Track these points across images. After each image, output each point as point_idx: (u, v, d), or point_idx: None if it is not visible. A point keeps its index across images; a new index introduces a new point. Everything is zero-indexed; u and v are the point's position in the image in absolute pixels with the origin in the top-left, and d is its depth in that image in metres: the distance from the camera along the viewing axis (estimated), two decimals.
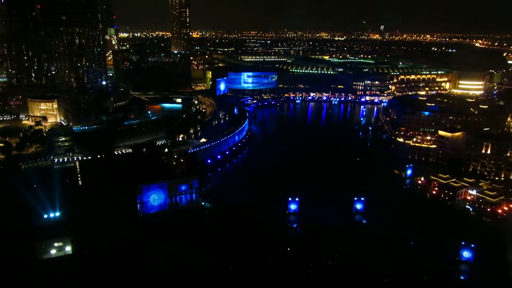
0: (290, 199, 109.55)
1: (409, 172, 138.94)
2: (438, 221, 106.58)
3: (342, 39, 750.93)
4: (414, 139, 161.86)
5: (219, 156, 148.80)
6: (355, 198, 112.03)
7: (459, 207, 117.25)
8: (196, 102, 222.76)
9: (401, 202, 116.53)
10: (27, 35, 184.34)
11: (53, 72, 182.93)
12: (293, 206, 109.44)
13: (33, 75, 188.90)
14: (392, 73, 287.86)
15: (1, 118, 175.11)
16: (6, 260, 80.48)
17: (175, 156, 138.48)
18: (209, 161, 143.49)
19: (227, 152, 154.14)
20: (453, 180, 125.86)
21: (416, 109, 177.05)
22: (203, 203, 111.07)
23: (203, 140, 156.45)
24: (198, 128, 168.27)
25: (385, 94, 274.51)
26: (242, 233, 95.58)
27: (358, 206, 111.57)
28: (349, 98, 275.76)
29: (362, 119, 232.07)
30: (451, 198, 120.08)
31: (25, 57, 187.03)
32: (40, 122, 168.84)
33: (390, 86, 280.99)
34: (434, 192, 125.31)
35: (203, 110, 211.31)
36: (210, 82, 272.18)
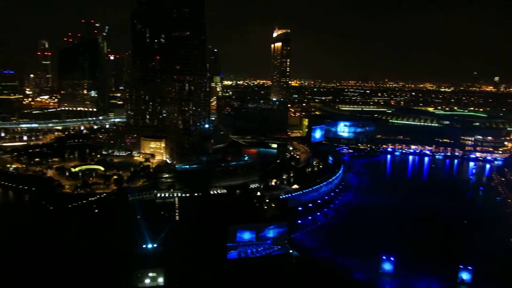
0: (384, 257, 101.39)
1: None
2: None
3: (449, 90, 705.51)
4: None
5: (310, 204, 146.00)
6: (461, 266, 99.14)
7: None
8: (291, 148, 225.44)
9: None
10: (146, 81, 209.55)
11: (164, 115, 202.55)
12: (387, 266, 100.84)
13: (147, 116, 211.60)
14: (508, 129, 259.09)
15: (118, 154, 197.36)
16: (106, 284, 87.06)
17: (267, 201, 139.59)
18: (300, 208, 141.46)
19: (318, 201, 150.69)
20: None
21: None
22: (290, 251, 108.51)
23: (295, 186, 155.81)
24: (291, 174, 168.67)
25: (500, 152, 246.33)
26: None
27: (464, 276, 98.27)
28: (456, 153, 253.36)
29: (471, 177, 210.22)
30: None
31: (143, 101, 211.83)
32: (148, 159, 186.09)
33: (506, 143, 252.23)
34: None
35: (297, 157, 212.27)
36: (306, 130, 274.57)
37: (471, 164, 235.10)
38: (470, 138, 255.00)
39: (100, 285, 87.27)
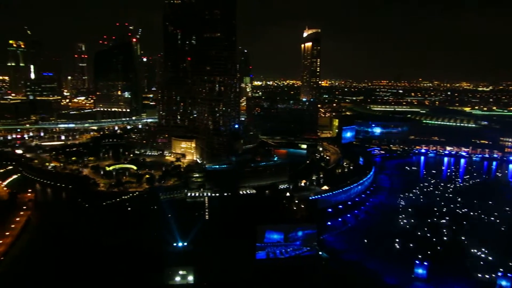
0: (417, 262, 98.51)
1: None
2: None
3: (488, 89, 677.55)
4: None
5: (340, 206, 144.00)
6: (500, 274, 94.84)
7: None
8: (320, 149, 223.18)
9: None
10: (177, 82, 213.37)
11: (195, 115, 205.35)
12: (420, 271, 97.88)
13: (179, 117, 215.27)
14: None
15: (150, 153, 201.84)
16: (137, 281, 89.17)
17: (296, 201, 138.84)
18: (329, 209, 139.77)
19: (349, 202, 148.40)
20: None
21: None
22: (320, 253, 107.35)
23: (325, 187, 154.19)
24: (321, 175, 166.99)
25: None
26: None
27: (503, 283, 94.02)
28: (495, 155, 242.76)
29: (511, 180, 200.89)
30: None
31: (174, 102, 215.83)
32: (179, 159, 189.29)
33: None
34: None
35: (327, 158, 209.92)
36: (336, 130, 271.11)
37: (511, 166, 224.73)
38: (510, 140, 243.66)
39: (131, 282, 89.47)
